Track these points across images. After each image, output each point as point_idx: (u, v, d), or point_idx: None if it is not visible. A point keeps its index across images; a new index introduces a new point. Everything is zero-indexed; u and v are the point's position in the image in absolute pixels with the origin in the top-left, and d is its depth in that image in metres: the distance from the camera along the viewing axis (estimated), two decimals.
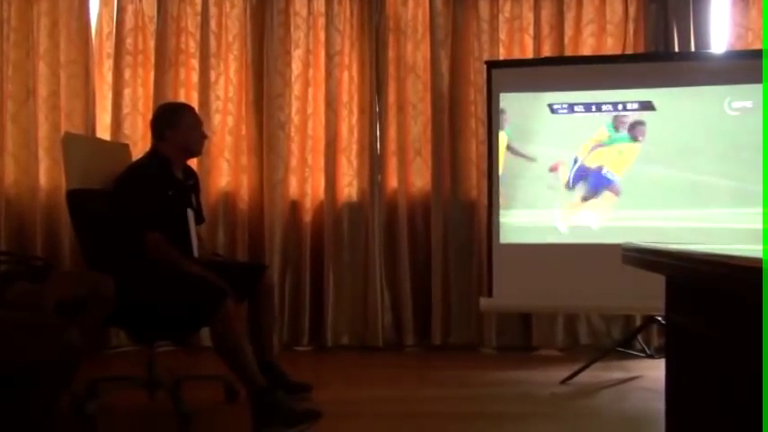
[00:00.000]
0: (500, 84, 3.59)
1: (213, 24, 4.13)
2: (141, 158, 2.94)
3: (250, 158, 4.14)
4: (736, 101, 3.38)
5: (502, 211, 3.55)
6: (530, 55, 4.09)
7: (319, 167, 4.16)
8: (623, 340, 3.79)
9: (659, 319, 3.41)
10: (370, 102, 4.12)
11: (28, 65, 3.92)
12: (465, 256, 4.09)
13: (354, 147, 4.17)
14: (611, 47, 4.05)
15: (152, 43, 4.10)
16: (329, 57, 4.12)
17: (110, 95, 4.09)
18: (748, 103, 3.37)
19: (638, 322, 3.79)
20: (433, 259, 4.08)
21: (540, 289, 3.42)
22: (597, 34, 4.08)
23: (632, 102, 3.48)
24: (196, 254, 2.91)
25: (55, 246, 3.92)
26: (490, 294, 3.57)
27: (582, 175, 3.50)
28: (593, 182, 3.49)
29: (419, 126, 4.16)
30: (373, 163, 4.12)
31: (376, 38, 4.12)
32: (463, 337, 4.09)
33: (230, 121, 4.16)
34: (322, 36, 4.16)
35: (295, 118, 4.16)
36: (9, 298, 1.92)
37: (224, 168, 4.14)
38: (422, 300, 4.11)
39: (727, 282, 1.06)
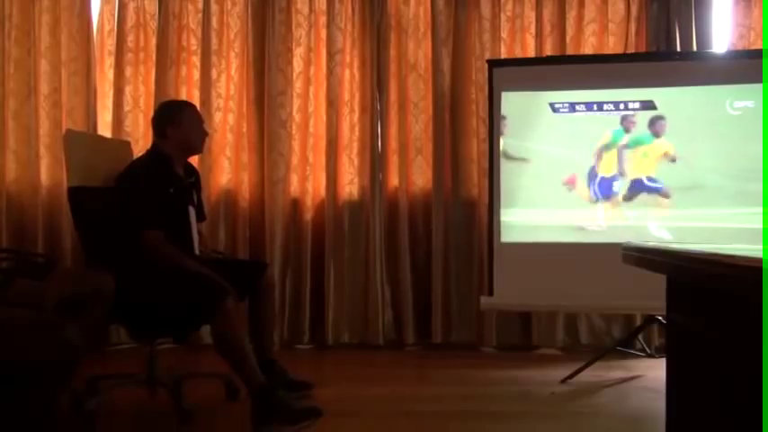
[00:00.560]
0: (501, 82, 3.58)
1: (215, 22, 4.13)
2: (142, 156, 2.94)
3: (251, 156, 4.14)
4: (738, 101, 3.38)
5: (503, 210, 3.55)
6: (531, 54, 4.08)
7: (320, 165, 4.16)
8: (624, 340, 3.79)
9: (660, 318, 3.40)
10: (371, 100, 4.11)
11: (29, 62, 3.92)
12: (466, 255, 4.09)
13: (355, 145, 4.17)
14: (612, 46, 4.05)
15: (153, 40, 4.10)
16: (330, 55, 4.12)
17: (111, 93, 4.10)
18: (750, 103, 3.37)
19: (639, 322, 3.79)
20: (434, 258, 4.08)
21: (541, 288, 3.42)
22: (599, 33, 4.08)
23: (634, 101, 3.48)
24: (197, 251, 2.91)
25: (56, 243, 3.93)
26: (491, 293, 3.57)
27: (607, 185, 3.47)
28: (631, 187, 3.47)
29: (420, 124, 4.16)
30: (374, 161, 4.11)
31: (377, 36, 4.12)
32: (464, 336, 4.09)
33: (231, 118, 4.16)
34: (323, 34, 4.16)
35: (296, 116, 4.16)
36: (10, 295, 1.92)
37: (225, 166, 4.14)
38: (422, 298, 4.11)
39: (728, 281, 1.06)
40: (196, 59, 4.13)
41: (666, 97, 3.45)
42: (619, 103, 3.49)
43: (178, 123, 2.88)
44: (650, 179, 3.43)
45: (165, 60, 4.06)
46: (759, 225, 3.27)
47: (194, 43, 4.14)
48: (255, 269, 3.02)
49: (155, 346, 2.81)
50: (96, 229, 2.75)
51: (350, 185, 4.17)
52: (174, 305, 2.58)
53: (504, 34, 4.12)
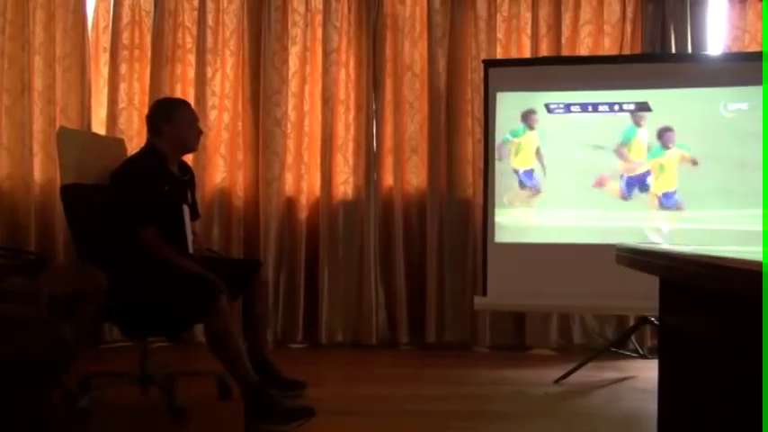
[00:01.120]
0: (497, 83, 3.59)
1: (210, 20, 4.12)
2: (137, 153, 2.93)
3: (246, 155, 4.13)
4: (732, 103, 3.39)
5: (497, 211, 3.55)
6: (527, 54, 4.09)
7: (315, 165, 4.16)
8: (617, 340, 3.80)
9: (652, 319, 3.41)
10: (366, 99, 4.11)
11: (23, 58, 3.91)
12: (460, 255, 4.09)
13: (351, 144, 4.16)
14: (608, 47, 4.05)
15: (149, 38, 4.09)
16: (326, 54, 4.12)
17: (105, 90, 4.09)
18: (744, 105, 3.38)
19: (632, 322, 3.80)
20: (428, 258, 4.08)
21: (535, 288, 3.42)
22: (594, 34, 4.09)
23: (628, 102, 3.48)
24: (191, 250, 2.90)
25: (49, 240, 3.92)
26: (484, 293, 3.57)
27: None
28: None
29: (415, 124, 4.16)
30: (369, 161, 4.11)
31: (373, 35, 4.11)
32: (457, 336, 4.09)
33: (226, 117, 4.15)
34: (319, 33, 4.15)
35: (291, 115, 4.16)
36: (2, 293, 1.91)
37: (220, 165, 4.13)
38: (416, 298, 4.11)
39: (720, 283, 1.06)
40: (191, 57, 4.12)
41: (661, 99, 3.46)
42: (614, 104, 3.50)
43: (173, 121, 2.87)
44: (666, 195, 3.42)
45: (161, 58, 4.05)
46: (749, 227, 3.28)
47: (189, 41, 4.13)
48: (249, 268, 3.02)
49: (147, 344, 2.80)
50: (89, 226, 2.74)
51: (345, 185, 4.17)
52: (168, 304, 2.57)
53: (499, 35, 4.13)
